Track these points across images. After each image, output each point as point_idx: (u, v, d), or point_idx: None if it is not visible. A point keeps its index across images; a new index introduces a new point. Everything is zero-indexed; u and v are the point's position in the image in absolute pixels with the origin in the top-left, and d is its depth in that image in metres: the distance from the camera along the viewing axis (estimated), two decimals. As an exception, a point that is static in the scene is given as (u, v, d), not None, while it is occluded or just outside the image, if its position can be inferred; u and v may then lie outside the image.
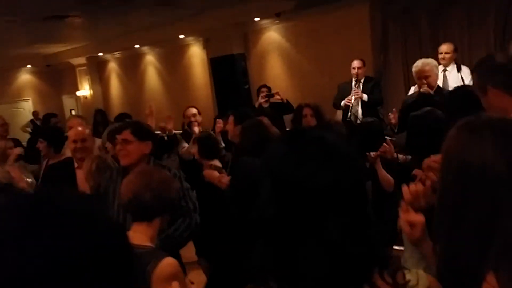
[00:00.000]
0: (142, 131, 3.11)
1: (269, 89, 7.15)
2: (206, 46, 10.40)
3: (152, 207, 2.15)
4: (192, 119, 5.63)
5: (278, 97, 6.63)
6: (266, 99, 6.65)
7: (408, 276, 1.02)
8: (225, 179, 3.57)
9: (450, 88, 5.21)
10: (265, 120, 4.06)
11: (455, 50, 5.72)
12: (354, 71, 6.29)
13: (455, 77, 5.54)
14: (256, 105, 6.83)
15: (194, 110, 5.73)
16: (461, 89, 3.37)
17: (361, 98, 6.17)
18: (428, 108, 3.26)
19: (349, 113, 6.10)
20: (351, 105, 6.11)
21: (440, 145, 1.27)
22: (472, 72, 2.63)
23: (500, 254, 1.08)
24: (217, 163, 3.97)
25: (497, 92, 2.22)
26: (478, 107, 2.37)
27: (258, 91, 7.11)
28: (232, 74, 9.29)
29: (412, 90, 5.48)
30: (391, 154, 3.71)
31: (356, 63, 6.33)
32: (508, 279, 1.06)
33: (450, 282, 1.15)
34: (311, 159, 1.00)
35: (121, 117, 6.30)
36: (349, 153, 1.04)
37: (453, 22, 6.92)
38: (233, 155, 4.13)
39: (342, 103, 6.24)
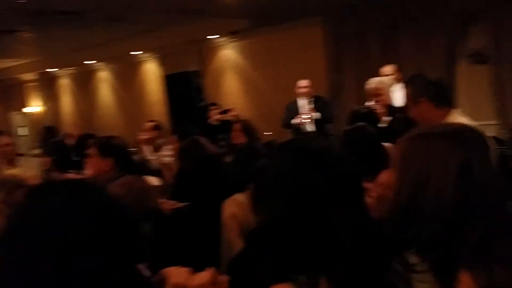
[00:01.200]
0: (105, 148, 3.08)
1: (219, 106, 7.16)
2: (162, 62, 10.31)
3: None
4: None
5: (232, 113, 6.63)
6: (220, 116, 6.64)
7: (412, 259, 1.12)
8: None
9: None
10: (202, 139, 3.98)
11: (398, 70, 5.86)
12: (304, 90, 6.40)
13: (399, 97, 5.66)
14: (210, 122, 6.80)
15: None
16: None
17: (313, 117, 6.25)
18: (361, 123, 3.32)
19: (300, 132, 6.16)
20: (303, 123, 6.18)
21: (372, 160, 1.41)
22: (405, 84, 2.82)
23: (472, 252, 1.09)
24: None
25: (428, 105, 2.56)
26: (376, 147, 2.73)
27: (207, 109, 7.10)
28: (187, 91, 9.24)
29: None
30: None
31: (303, 83, 6.45)
32: (484, 277, 1.06)
33: None
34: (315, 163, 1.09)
35: (85, 137, 6.04)
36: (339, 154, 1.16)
37: (403, 44, 7.13)
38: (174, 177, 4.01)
39: (297, 121, 6.28)
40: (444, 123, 2.30)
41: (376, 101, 4.70)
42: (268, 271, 1.05)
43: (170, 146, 4.97)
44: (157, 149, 5.46)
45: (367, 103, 5.52)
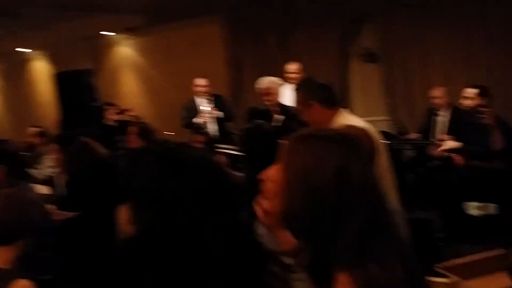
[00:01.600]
0: None
1: (115, 106, 6.84)
2: (52, 60, 9.70)
3: (11, 230, 2.12)
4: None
5: (130, 113, 6.37)
6: (117, 116, 6.35)
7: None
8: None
9: None
10: (91, 142, 3.76)
11: (302, 69, 5.98)
12: (202, 89, 6.29)
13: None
14: (107, 122, 6.48)
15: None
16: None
17: (215, 115, 6.16)
18: (260, 121, 3.34)
19: (201, 131, 6.04)
20: (207, 121, 6.07)
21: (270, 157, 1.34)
22: (296, 88, 2.89)
23: (348, 252, 1.09)
24: None
25: (319, 107, 2.69)
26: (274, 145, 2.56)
27: (103, 109, 6.77)
28: (79, 91, 8.76)
29: None
30: None
31: (201, 81, 6.33)
32: (362, 276, 1.07)
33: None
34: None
35: None
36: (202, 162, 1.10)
37: (299, 41, 7.29)
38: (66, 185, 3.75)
39: (200, 120, 6.16)
40: (329, 126, 2.52)
41: (267, 100, 4.77)
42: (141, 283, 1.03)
43: (52, 156, 4.60)
44: (38, 158, 5.02)
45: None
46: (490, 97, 5.04)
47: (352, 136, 1.26)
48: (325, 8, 6.90)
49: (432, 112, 5.64)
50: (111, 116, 6.39)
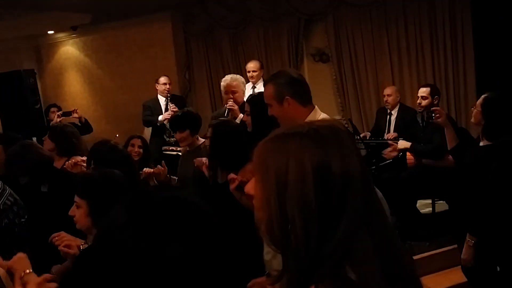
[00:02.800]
0: None
1: (59, 108, 6.55)
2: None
3: None
4: None
5: (76, 115, 6.10)
6: (61, 118, 6.07)
7: None
8: None
9: None
10: (34, 142, 3.61)
11: (261, 67, 5.93)
12: (164, 87, 6.21)
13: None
14: (51, 125, 6.18)
15: None
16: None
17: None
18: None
19: (167, 131, 5.87)
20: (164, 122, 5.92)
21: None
22: (267, 82, 2.68)
23: (327, 263, 1.01)
24: None
25: (293, 102, 2.48)
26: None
27: (47, 111, 6.46)
28: (20, 93, 8.32)
29: None
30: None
31: (165, 80, 6.26)
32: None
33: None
34: (157, 228, 0.91)
35: None
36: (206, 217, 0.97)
37: (251, 41, 7.24)
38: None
39: (161, 117, 6.03)
40: (302, 122, 2.24)
41: (231, 98, 4.66)
42: None
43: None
44: None
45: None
46: (440, 96, 5.15)
47: (328, 128, 1.15)
48: (277, 7, 6.87)
49: (384, 112, 5.70)
50: (56, 119, 6.10)
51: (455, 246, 3.39)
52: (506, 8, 5.51)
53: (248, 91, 5.52)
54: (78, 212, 2.26)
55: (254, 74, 5.71)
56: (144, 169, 3.59)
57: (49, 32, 8.59)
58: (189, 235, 0.92)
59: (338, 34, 6.70)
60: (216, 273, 0.93)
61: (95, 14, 7.36)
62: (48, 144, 3.90)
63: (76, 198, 2.29)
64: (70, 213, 2.29)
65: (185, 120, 3.83)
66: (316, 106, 2.62)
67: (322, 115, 2.59)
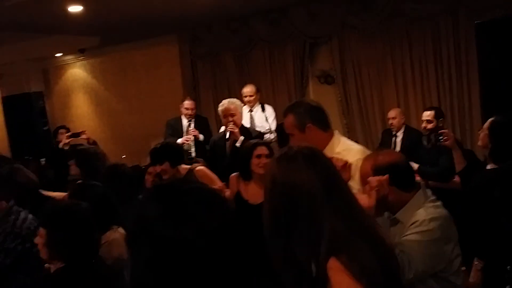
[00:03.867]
0: None
1: (68, 130, 6.59)
2: (-1, 83, 9.31)
3: None
4: None
5: (84, 136, 6.14)
6: (70, 139, 6.11)
7: None
8: None
9: (257, 128, 5.50)
10: (21, 167, 3.64)
11: (257, 91, 5.97)
12: (187, 112, 5.97)
13: (260, 117, 5.82)
14: (60, 146, 6.23)
15: None
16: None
17: (198, 138, 5.87)
18: None
19: (190, 152, 5.80)
20: (189, 144, 5.82)
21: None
22: (286, 113, 2.69)
23: (333, 243, 1.41)
24: None
25: (314, 129, 2.57)
26: None
27: (56, 133, 6.49)
28: (29, 114, 8.41)
29: (222, 129, 5.53)
30: None
31: (189, 104, 6.01)
32: (347, 258, 1.38)
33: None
34: (189, 217, 0.99)
35: None
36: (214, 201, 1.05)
37: (257, 63, 7.32)
38: None
39: (179, 141, 5.74)
40: (324, 150, 2.42)
41: (231, 121, 4.71)
42: None
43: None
44: None
45: (223, 127, 5.50)
46: (444, 118, 5.17)
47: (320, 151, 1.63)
48: (282, 29, 6.96)
49: (389, 133, 5.72)
50: (64, 140, 6.15)
51: (463, 268, 3.38)
52: (511, 29, 5.57)
53: (245, 114, 5.54)
54: (39, 241, 2.25)
55: (251, 98, 5.75)
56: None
57: (57, 54, 8.71)
58: (215, 223, 1.00)
59: (343, 56, 6.76)
60: (235, 260, 1.01)
61: (103, 37, 7.47)
62: (74, 170, 3.93)
63: (40, 227, 2.29)
64: (35, 241, 2.28)
65: (163, 153, 3.79)
66: (336, 131, 2.70)
67: (343, 140, 2.68)
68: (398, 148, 5.56)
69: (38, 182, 3.60)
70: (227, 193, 3.54)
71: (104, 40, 7.54)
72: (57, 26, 6.61)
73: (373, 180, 2.01)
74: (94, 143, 6.22)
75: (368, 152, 2.60)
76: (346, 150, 2.55)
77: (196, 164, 3.92)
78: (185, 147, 5.67)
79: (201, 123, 6.14)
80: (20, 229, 2.87)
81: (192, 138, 5.79)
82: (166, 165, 3.72)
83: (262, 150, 3.45)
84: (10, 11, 5.42)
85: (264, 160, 3.41)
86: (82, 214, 2.27)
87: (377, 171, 2.07)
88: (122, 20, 6.46)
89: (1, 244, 2.83)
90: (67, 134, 6.20)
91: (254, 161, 3.43)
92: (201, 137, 5.90)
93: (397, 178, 2.06)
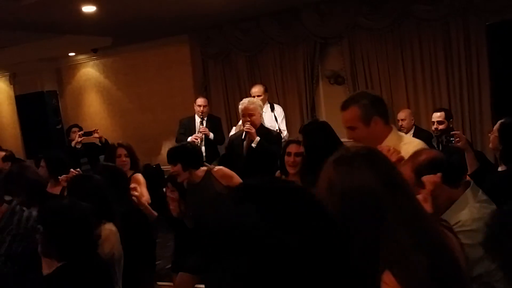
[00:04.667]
0: None
1: (81, 129, 6.67)
2: (13, 82, 9.42)
3: None
4: None
5: (96, 135, 6.22)
6: (82, 138, 6.20)
7: None
8: None
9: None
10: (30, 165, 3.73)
11: (266, 90, 5.97)
12: (199, 109, 6.09)
13: (269, 116, 5.79)
14: (72, 144, 6.32)
15: None
16: (316, 124, 3.67)
17: (208, 136, 5.99)
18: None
19: None
20: (198, 142, 5.89)
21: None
22: (348, 105, 2.51)
23: (389, 255, 1.33)
24: None
25: (380, 122, 2.43)
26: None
27: (69, 131, 6.57)
28: (42, 113, 8.50)
29: (233, 130, 5.58)
30: None
31: (201, 101, 6.15)
32: (401, 273, 1.30)
33: None
34: (287, 221, 0.85)
35: None
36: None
37: (267, 63, 7.35)
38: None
39: (189, 139, 5.79)
40: (382, 143, 2.34)
41: (248, 121, 4.72)
42: None
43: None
44: None
45: (234, 127, 5.53)
46: (452, 118, 5.17)
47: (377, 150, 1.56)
48: (293, 30, 6.99)
49: (399, 134, 5.72)
50: (77, 139, 6.23)
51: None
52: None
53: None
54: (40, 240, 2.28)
55: (259, 98, 5.64)
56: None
57: (70, 54, 8.80)
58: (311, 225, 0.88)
59: (353, 57, 6.78)
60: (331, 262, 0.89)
61: (115, 37, 7.55)
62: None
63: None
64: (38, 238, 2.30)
65: (177, 154, 3.71)
66: (393, 126, 2.59)
67: (403, 137, 2.58)
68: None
69: (45, 180, 3.66)
70: None
71: (117, 40, 7.62)
72: (71, 26, 6.69)
73: (429, 181, 1.89)
74: (106, 142, 6.31)
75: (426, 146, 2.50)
76: (407, 143, 2.43)
77: (212, 166, 3.89)
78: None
79: (213, 122, 6.21)
80: (24, 230, 2.78)
81: (202, 136, 5.85)
82: (178, 167, 3.66)
83: (291, 148, 3.45)
84: (25, 11, 5.50)
85: (291, 159, 3.41)
86: (81, 213, 2.28)
87: (421, 171, 1.95)
88: (134, 20, 6.53)
89: (8, 249, 2.71)
90: (79, 133, 6.28)
91: (286, 158, 3.44)
92: (211, 135, 5.97)
93: (446, 174, 1.93)
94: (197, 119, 6.14)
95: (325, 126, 3.41)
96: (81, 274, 2.20)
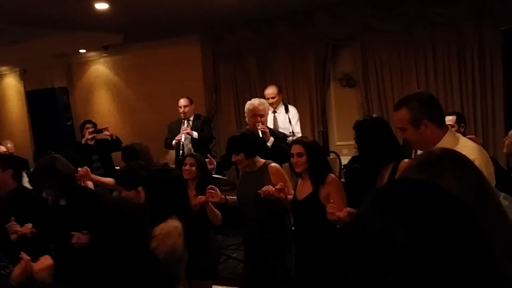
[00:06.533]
0: None
1: (95, 124, 6.66)
2: (23, 78, 9.46)
3: None
4: None
5: (107, 132, 6.21)
6: (93, 135, 6.20)
7: None
8: None
9: (280, 129, 5.35)
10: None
11: (280, 91, 5.86)
12: (180, 110, 6.16)
13: (283, 118, 5.70)
14: (83, 141, 6.31)
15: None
16: (371, 120, 3.58)
17: (191, 135, 6.05)
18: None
19: (181, 151, 5.92)
20: (181, 143, 5.94)
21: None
22: (399, 106, 2.50)
23: None
24: None
25: (431, 126, 2.37)
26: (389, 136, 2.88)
27: (82, 127, 6.58)
28: (52, 109, 8.53)
29: None
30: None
31: (182, 102, 6.19)
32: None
33: None
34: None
35: None
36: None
37: (278, 64, 7.32)
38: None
39: (173, 142, 6.01)
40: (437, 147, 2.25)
41: (260, 122, 4.70)
42: None
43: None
44: None
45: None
46: (466, 124, 5.12)
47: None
48: (304, 31, 6.96)
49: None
50: (88, 136, 6.24)
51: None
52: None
53: (269, 115, 5.48)
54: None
55: (274, 100, 5.61)
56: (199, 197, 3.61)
57: (81, 50, 8.82)
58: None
59: (365, 59, 6.73)
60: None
61: (126, 35, 7.55)
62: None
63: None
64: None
65: (239, 143, 3.67)
66: (449, 127, 2.54)
67: (459, 137, 2.48)
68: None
69: (74, 171, 3.70)
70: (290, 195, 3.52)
71: (128, 37, 7.62)
72: (82, 23, 6.70)
73: None
74: (117, 139, 6.30)
75: (484, 150, 2.44)
76: (461, 147, 2.31)
77: (270, 161, 3.80)
78: (175, 147, 5.96)
79: (198, 122, 6.23)
80: None
81: (181, 137, 5.88)
82: (241, 156, 3.64)
83: (294, 149, 3.42)
84: (37, 6, 5.51)
85: (294, 159, 3.39)
86: (134, 211, 2.32)
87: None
88: (146, 18, 6.53)
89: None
90: (89, 131, 6.28)
91: (291, 159, 3.44)
92: (194, 134, 6.02)
93: None
94: (184, 121, 6.19)
95: (380, 123, 3.30)
96: (132, 271, 2.19)
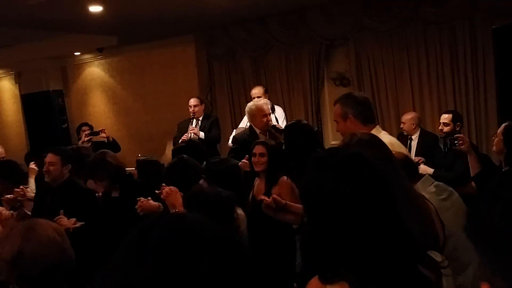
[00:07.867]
0: None
1: (91, 127, 6.68)
2: (18, 80, 9.45)
3: None
4: None
5: (103, 135, 6.24)
6: (89, 137, 6.22)
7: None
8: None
9: None
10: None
11: (266, 92, 5.98)
12: (190, 109, 6.18)
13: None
14: (80, 143, 6.33)
15: None
16: (297, 125, 4.10)
17: (197, 135, 6.05)
18: None
19: None
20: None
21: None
22: (335, 103, 3.00)
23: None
24: None
25: (355, 121, 2.82)
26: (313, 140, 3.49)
27: (79, 130, 6.60)
28: (48, 112, 8.52)
29: (234, 132, 5.58)
30: None
31: (192, 101, 6.22)
32: None
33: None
34: None
35: None
36: None
37: (272, 64, 7.36)
38: None
39: (179, 141, 5.94)
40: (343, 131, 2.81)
41: (267, 120, 4.82)
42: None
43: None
44: None
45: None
46: (461, 122, 5.16)
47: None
48: (298, 31, 6.99)
49: (405, 137, 5.72)
50: (84, 138, 6.25)
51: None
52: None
53: None
54: None
55: (259, 99, 5.68)
56: None
57: (76, 53, 8.82)
58: None
59: (359, 59, 6.78)
60: None
61: (121, 37, 7.56)
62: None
63: None
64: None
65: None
66: (378, 125, 2.99)
67: (383, 135, 2.82)
68: (414, 151, 5.57)
69: (124, 164, 3.88)
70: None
71: (122, 39, 7.64)
72: (77, 26, 6.71)
73: None
74: (114, 141, 6.32)
75: (397, 145, 2.81)
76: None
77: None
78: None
79: (207, 122, 6.26)
80: None
81: (189, 136, 5.91)
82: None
83: (257, 149, 3.66)
84: (32, 10, 5.52)
85: (256, 159, 3.64)
86: (226, 200, 2.54)
87: None
88: (140, 20, 6.54)
89: None
90: (85, 133, 6.30)
91: (252, 158, 3.68)
92: (201, 134, 6.03)
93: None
94: (194, 121, 6.22)
95: (306, 127, 3.86)
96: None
